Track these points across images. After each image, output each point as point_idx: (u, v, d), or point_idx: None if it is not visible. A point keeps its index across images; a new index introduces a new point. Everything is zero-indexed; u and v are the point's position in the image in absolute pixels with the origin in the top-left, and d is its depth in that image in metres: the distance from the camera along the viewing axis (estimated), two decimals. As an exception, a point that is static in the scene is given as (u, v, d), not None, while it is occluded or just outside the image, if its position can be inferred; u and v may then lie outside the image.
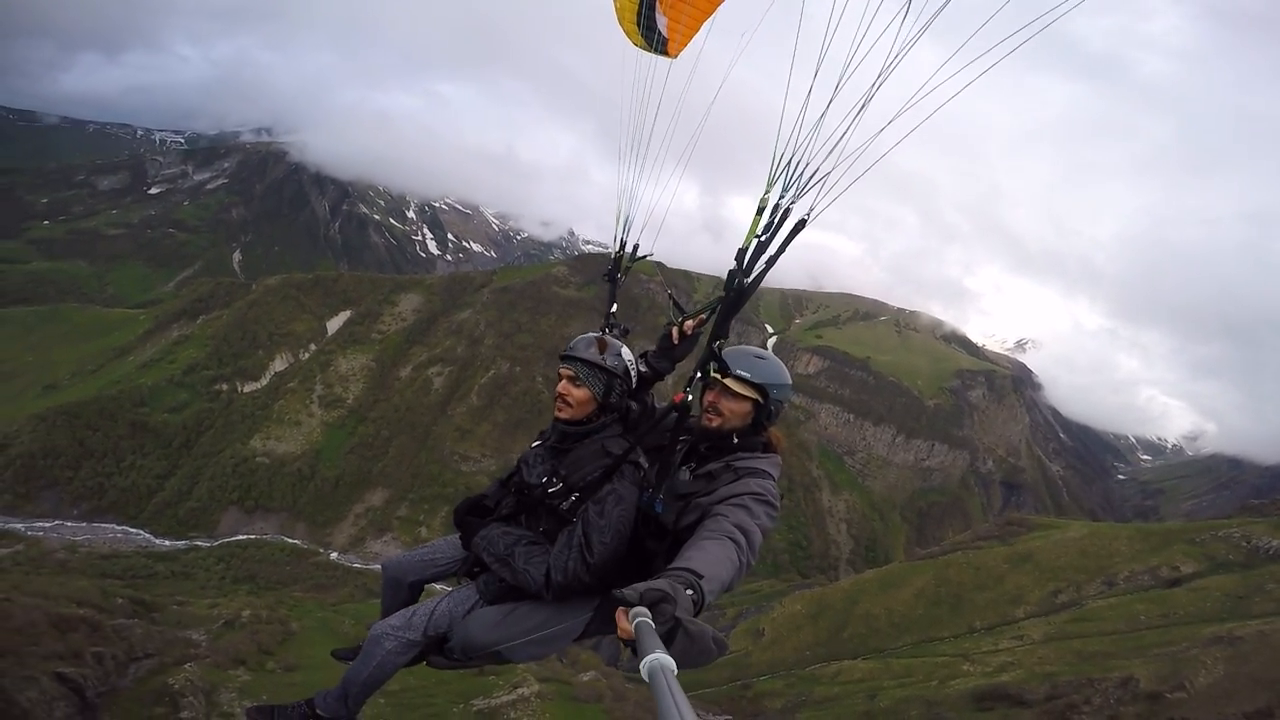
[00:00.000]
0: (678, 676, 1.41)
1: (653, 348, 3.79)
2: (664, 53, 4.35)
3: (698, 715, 1.27)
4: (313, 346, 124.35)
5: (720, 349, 3.21)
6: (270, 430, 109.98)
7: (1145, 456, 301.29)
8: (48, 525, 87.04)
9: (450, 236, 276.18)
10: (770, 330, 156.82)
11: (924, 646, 51.60)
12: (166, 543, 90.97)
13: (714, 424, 3.23)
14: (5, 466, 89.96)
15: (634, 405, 3.57)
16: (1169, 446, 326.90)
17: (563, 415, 3.39)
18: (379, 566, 4.05)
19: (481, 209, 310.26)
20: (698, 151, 4.08)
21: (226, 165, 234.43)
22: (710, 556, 2.45)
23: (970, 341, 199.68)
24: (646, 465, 3.27)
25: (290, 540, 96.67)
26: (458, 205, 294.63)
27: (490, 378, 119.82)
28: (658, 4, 4.21)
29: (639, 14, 4.28)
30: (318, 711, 3.50)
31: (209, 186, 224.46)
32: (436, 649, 3.35)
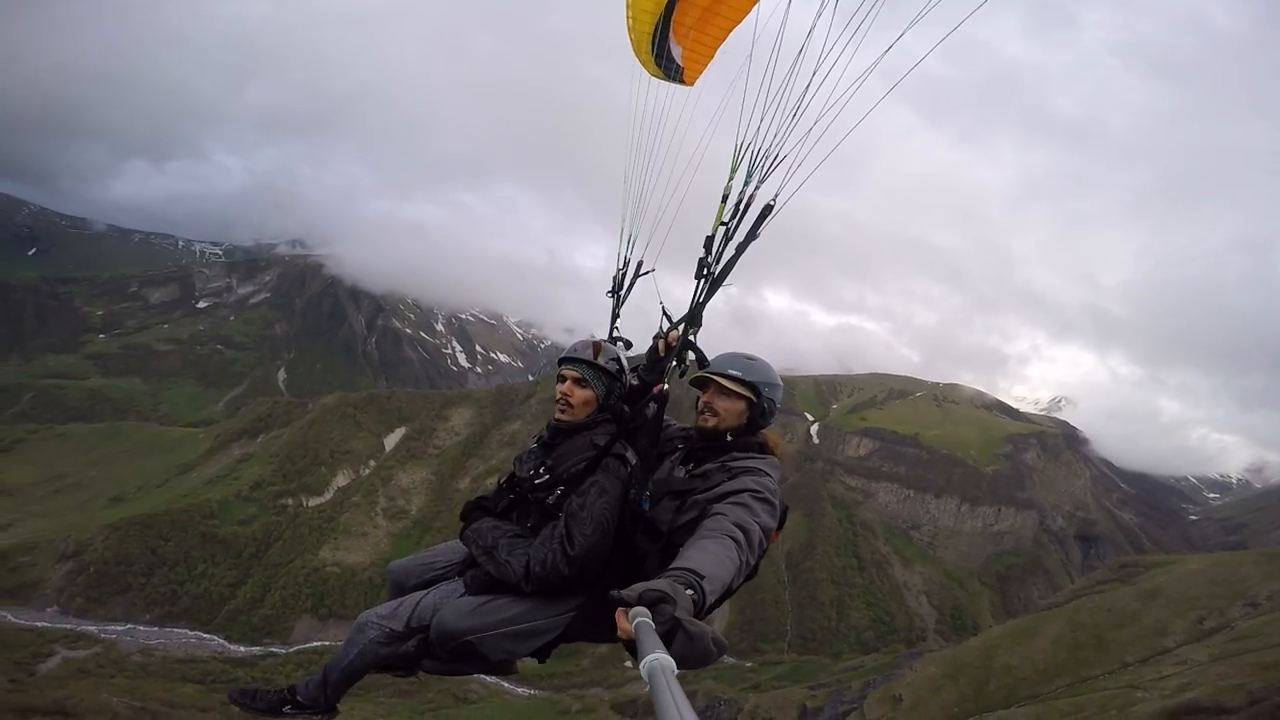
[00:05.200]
0: (678, 677, 1.41)
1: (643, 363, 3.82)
2: (680, 81, 4.47)
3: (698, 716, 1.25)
4: (372, 462, 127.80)
5: (694, 336, 3.38)
6: (338, 541, 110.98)
7: (1212, 495, 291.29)
8: (120, 629, 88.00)
9: (478, 348, 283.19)
10: (810, 417, 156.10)
11: (1081, 686, 49.92)
12: (241, 648, 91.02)
13: (710, 423, 3.30)
14: (79, 572, 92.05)
15: (628, 410, 3.62)
16: (1234, 482, 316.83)
17: (564, 417, 3.48)
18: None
19: (505, 318, 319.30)
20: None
21: (268, 279, 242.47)
22: (711, 557, 2.44)
23: (1010, 407, 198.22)
24: (634, 460, 3.30)
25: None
26: (483, 316, 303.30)
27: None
28: (672, 34, 4.26)
29: (653, 44, 4.33)
30: (298, 698, 3.48)
31: (252, 301, 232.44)
32: (426, 649, 3.25)
